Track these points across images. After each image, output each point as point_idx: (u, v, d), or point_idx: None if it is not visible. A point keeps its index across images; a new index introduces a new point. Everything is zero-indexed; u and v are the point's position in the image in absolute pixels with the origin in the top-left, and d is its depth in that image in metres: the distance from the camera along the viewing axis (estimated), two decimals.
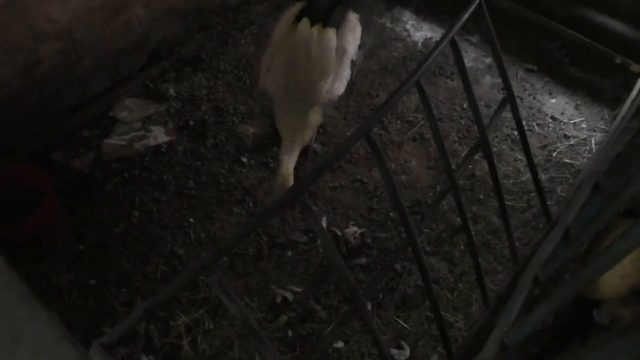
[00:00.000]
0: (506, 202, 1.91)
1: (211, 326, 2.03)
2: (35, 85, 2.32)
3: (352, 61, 2.17)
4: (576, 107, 2.90)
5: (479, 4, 1.52)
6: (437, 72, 3.01)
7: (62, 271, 2.14)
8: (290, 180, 2.09)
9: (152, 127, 2.61)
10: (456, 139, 2.71)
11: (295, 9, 2.17)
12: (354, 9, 2.20)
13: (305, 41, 2.07)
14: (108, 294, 2.09)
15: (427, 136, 2.69)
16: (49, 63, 2.32)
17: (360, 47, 2.21)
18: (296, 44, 2.08)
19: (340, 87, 2.20)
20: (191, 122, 2.66)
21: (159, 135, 2.59)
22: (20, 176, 2.11)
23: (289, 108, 2.14)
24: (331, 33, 2.08)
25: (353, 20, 2.17)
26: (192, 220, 2.32)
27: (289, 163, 2.10)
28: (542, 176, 2.54)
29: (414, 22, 3.31)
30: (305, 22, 2.08)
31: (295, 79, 2.08)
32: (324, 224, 2.35)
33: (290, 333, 2.04)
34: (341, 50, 2.11)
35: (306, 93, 2.10)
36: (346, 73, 2.18)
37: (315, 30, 2.07)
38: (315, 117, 2.20)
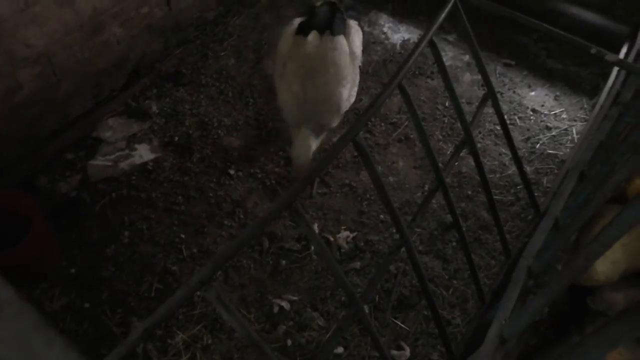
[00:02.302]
0: (494, 197, 1.93)
1: (210, 341, 2.02)
2: (16, 111, 2.30)
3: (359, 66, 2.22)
4: (555, 99, 2.95)
5: (454, 4, 1.54)
6: (417, 72, 3.04)
7: (54, 296, 2.11)
8: (309, 152, 2.15)
9: (137, 146, 2.60)
10: (440, 137, 2.74)
11: (295, 24, 2.21)
12: (350, 16, 2.24)
13: (319, 51, 2.09)
14: (103, 316, 2.07)
15: (411, 136, 2.71)
16: (28, 88, 2.30)
17: (362, 51, 2.27)
18: (309, 55, 2.10)
19: (354, 93, 2.23)
20: (176, 138, 2.65)
21: (144, 153, 2.58)
22: (6, 203, 2.09)
23: (306, 117, 2.16)
24: (342, 40, 2.12)
25: (355, 26, 2.21)
26: (183, 236, 2.31)
27: (309, 136, 2.14)
28: (528, 168, 2.57)
29: (390, 24, 3.34)
30: (314, 34, 2.11)
31: (312, 88, 2.10)
32: (316, 231, 2.35)
33: (289, 342, 2.04)
34: (353, 55, 2.15)
35: (326, 102, 2.12)
36: (357, 78, 2.22)
37: (326, 39, 2.10)
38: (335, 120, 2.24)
